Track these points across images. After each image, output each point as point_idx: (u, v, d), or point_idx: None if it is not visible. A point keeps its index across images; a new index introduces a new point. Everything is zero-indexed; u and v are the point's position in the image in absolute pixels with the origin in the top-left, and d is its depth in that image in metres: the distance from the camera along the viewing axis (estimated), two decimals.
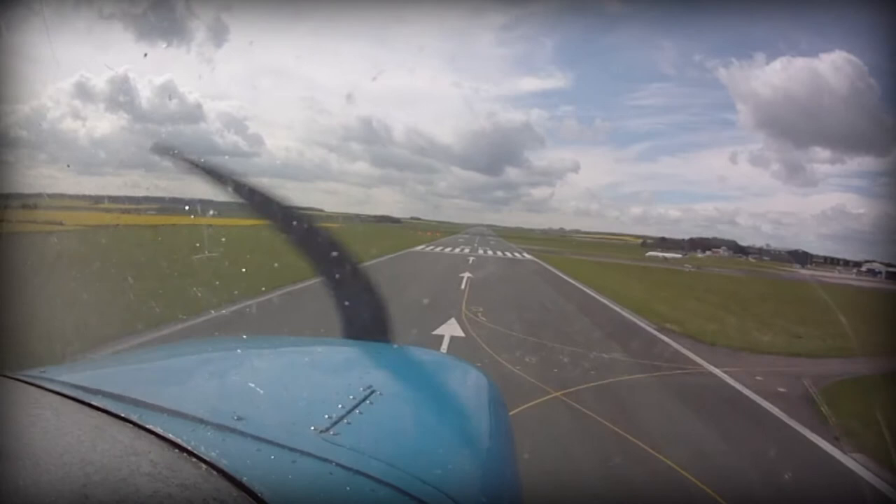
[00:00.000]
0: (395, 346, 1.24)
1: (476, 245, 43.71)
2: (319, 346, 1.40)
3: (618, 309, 12.62)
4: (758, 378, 6.90)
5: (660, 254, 56.95)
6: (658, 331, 10.04)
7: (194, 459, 0.52)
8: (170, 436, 0.56)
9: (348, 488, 0.53)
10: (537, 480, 2.41)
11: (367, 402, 0.76)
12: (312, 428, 0.65)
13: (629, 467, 3.64)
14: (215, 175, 1.25)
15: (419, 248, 32.35)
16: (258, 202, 1.26)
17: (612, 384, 5.97)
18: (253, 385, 0.85)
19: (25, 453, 0.52)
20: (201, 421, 0.63)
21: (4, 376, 0.79)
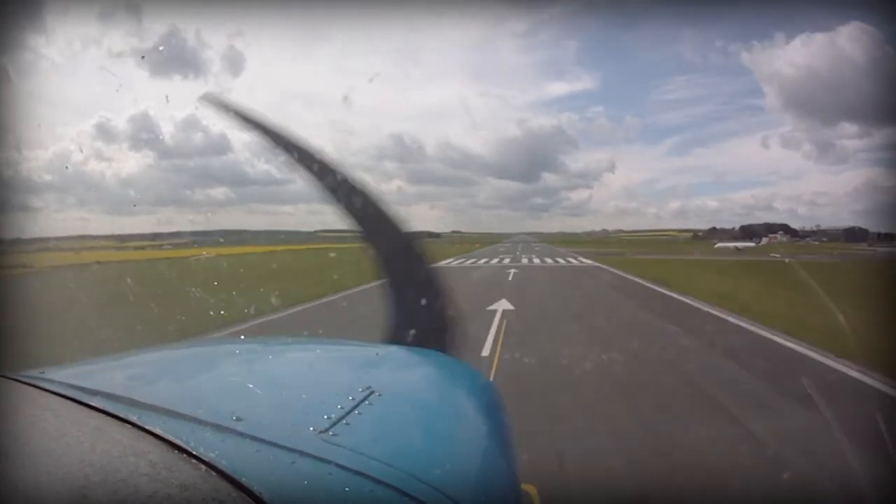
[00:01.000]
0: (395, 346, 1.23)
1: (519, 253, 36.17)
2: (318, 346, 1.40)
3: (807, 352, 6.18)
4: None
5: (731, 244, 51.22)
6: None
7: (193, 460, 0.52)
8: (169, 436, 0.56)
9: (347, 488, 0.53)
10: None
11: (367, 402, 0.76)
12: (311, 428, 0.65)
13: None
14: (267, 130, 1.16)
15: (445, 262, 25.59)
16: (310, 165, 1.14)
17: None
18: (252, 386, 0.86)
19: (24, 454, 0.52)
20: (200, 421, 0.63)
21: (4, 377, 0.80)
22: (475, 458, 0.73)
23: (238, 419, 0.64)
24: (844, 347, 5.86)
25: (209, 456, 0.53)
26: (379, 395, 0.80)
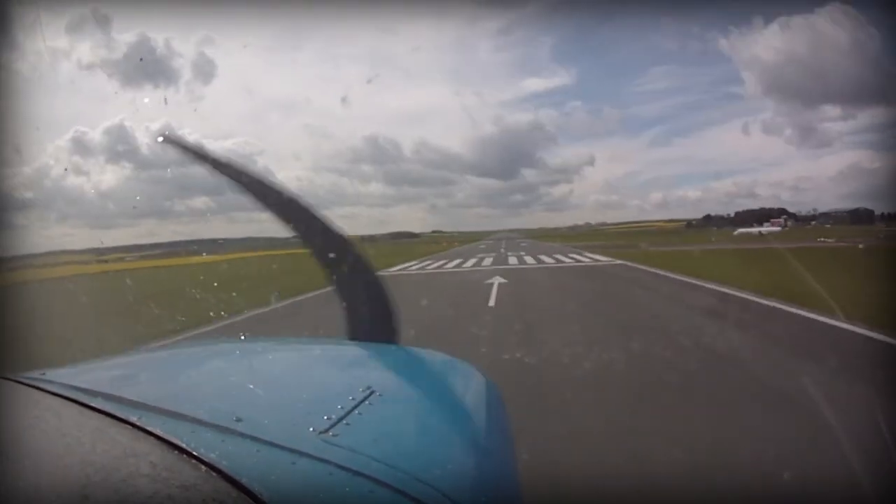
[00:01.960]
0: (395, 346, 1.23)
1: (504, 251, 28.42)
2: (318, 346, 1.40)
3: None
4: None
5: (753, 229, 46.03)
6: None
7: (194, 461, 0.53)
8: (170, 437, 0.56)
9: (347, 489, 0.53)
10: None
11: (367, 402, 0.76)
12: (311, 429, 0.65)
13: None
14: (219, 164, 1.26)
15: (397, 268, 18.32)
16: (259, 191, 1.26)
17: None
18: (252, 386, 0.86)
19: (25, 455, 0.53)
20: (201, 422, 0.63)
21: (4, 378, 0.80)
22: (476, 458, 0.73)
23: (238, 419, 0.64)
24: None
25: (209, 456, 0.53)
26: (379, 395, 0.80)
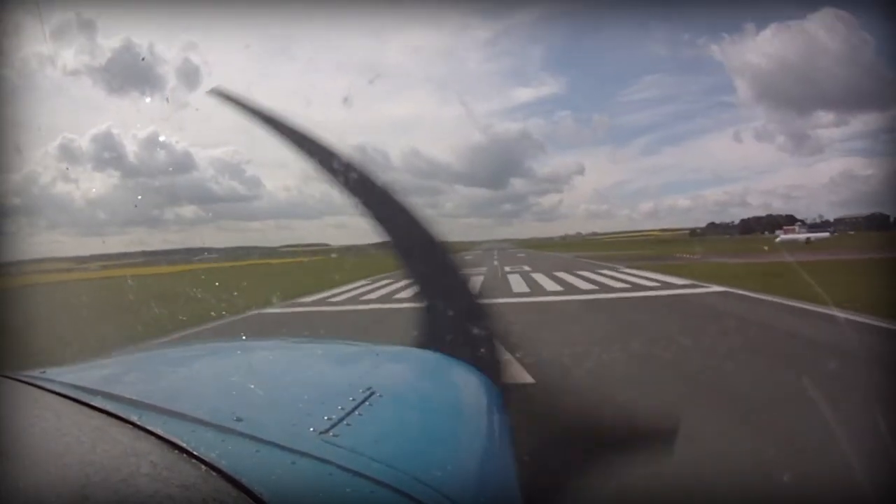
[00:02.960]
0: (395, 347, 1.23)
1: (496, 265, 20.33)
2: (319, 347, 1.41)
3: None
4: None
5: (799, 236, 39.19)
6: None
7: (194, 460, 0.53)
8: (170, 437, 0.56)
9: (347, 489, 0.53)
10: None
11: (367, 403, 0.76)
12: (312, 429, 0.65)
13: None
14: (276, 123, 1.18)
15: (361, 284, 13.29)
16: (318, 155, 1.13)
17: None
18: (252, 386, 0.86)
19: (25, 454, 0.52)
20: (201, 422, 0.63)
21: (4, 377, 0.80)
22: (476, 459, 0.73)
23: (238, 419, 0.64)
24: None
25: (210, 456, 0.53)
26: (380, 395, 0.81)
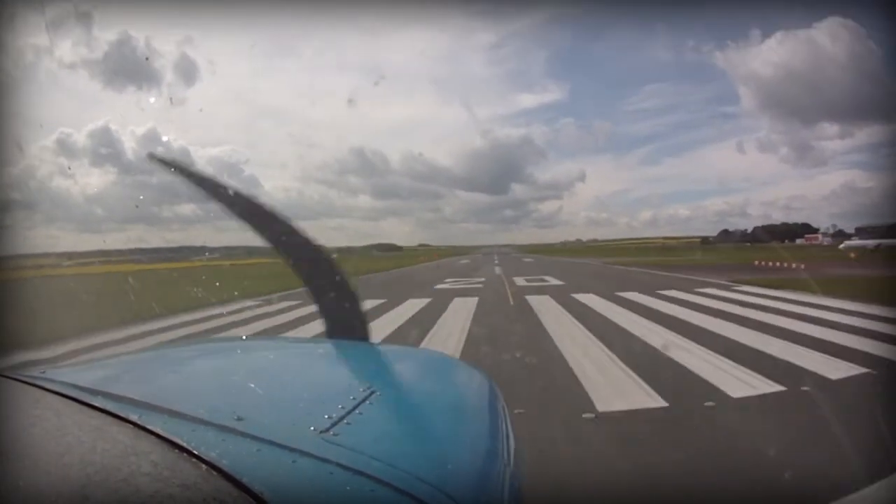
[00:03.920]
0: (396, 346, 1.24)
1: (500, 272, 18.03)
2: (319, 346, 1.41)
3: None
4: None
5: (867, 242, 35.88)
6: None
7: (195, 460, 0.52)
8: (170, 436, 0.56)
9: (348, 488, 0.52)
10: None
11: (368, 402, 0.76)
12: (312, 428, 0.65)
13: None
14: (207, 184, 1.30)
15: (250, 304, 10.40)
16: (243, 210, 1.30)
17: None
18: (253, 385, 0.86)
19: (25, 454, 0.52)
20: (202, 421, 0.63)
21: (4, 377, 0.80)
22: (477, 458, 0.73)
23: (239, 419, 0.64)
24: None
25: (210, 456, 0.53)
26: (380, 394, 0.81)
